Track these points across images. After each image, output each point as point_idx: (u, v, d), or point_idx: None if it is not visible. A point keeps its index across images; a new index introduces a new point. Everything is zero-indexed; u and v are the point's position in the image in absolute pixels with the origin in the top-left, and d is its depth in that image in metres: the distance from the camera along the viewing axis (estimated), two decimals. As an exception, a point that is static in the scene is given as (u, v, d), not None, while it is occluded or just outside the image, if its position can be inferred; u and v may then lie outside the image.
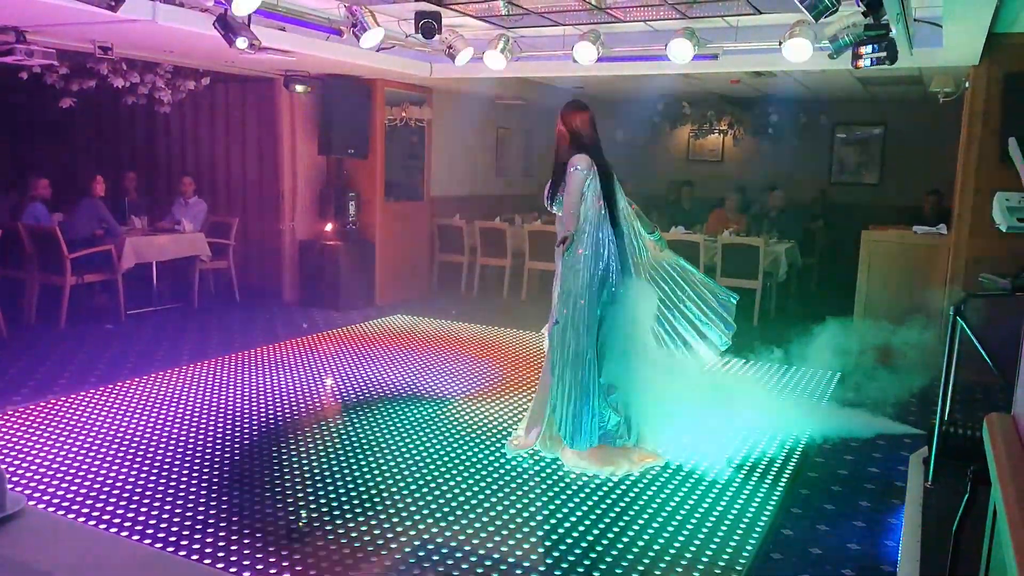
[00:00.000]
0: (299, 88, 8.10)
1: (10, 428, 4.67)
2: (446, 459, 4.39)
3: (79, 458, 4.26)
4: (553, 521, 3.68)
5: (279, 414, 5.06)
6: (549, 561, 3.31)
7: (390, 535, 3.49)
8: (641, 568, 3.27)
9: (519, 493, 3.98)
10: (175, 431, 4.71)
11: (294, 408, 5.18)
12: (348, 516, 3.66)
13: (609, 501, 3.90)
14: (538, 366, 5.47)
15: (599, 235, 4.32)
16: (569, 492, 4.00)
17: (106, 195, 8.05)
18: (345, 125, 8.46)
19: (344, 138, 8.48)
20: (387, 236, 9.00)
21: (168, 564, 1.87)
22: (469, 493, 3.96)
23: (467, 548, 3.40)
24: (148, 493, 3.86)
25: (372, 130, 8.71)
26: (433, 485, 4.04)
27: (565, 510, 3.79)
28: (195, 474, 4.10)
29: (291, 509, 3.73)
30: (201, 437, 4.62)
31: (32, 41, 6.05)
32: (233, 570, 3.16)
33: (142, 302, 8.06)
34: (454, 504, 3.83)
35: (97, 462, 4.22)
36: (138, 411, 5.04)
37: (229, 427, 4.79)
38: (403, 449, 4.51)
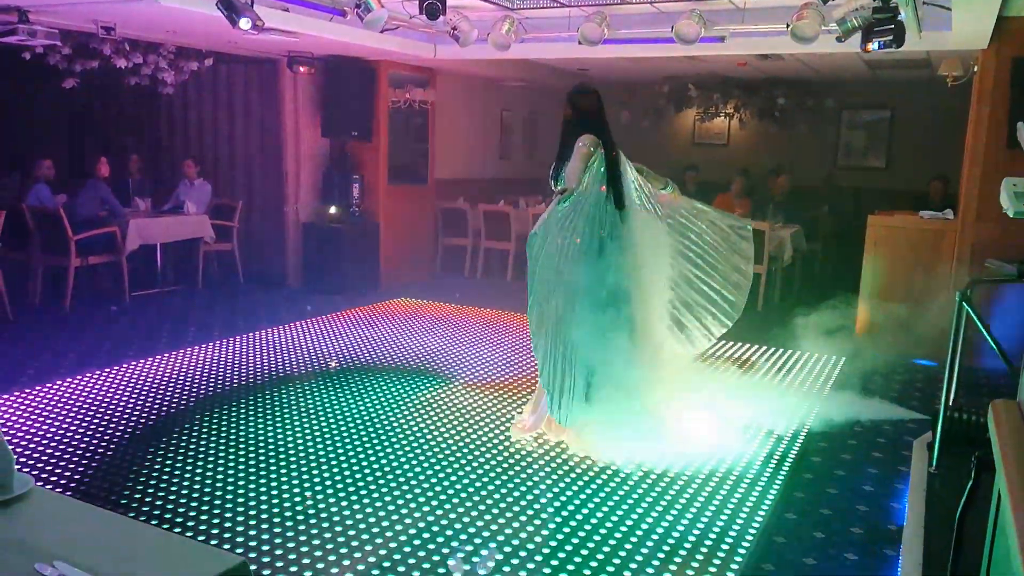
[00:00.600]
0: (302, 69, 8.06)
1: (17, 409, 4.70)
2: (451, 442, 4.40)
3: (86, 439, 4.29)
4: (556, 504, 3.69)
5: (283, 396, 5.07)
6: (553, 544, 3.32)
7: (395, 517, 3.51)
8: (644, 551, 3.28)
9: (523, 476, 3.99)
10: (180, 412, 4.73)
11: (298, 391, 5.20)
12: (354, 498, 3.68)
13: (614, 483, 3.91)
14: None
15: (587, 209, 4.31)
16: (572, 476, 4.01)
17: (110, 177, 8.04)
18: (349, 107, 8.42)
19: (348, 120, 8.45)
20: (391, 219, 8.99)
21: (175, 544, 1.87)
22: (473, 476, 3.97)
23: (471, 530, 3.41)
24: (155, 474, 3.88)
25: (376, 112, 8.67)
26: (438, 467, 4.05)
27: (568, 493, 3.80)
28: (201, 455, 4.12)
29: (296, 491, 3.75)
30: (206, 418, 4.64)
31: (35, 21, 6.02)
32: (240, 551, 3.18)
33: (146, 284, 8.08)
34: (459, 487, 3.84)
35: (104, 443, 4.24)
36: (143, 392, 5.06)
37: (234, 409, 4.81)
38: (407, 432, 4.53)
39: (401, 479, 3.91)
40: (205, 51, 8.00)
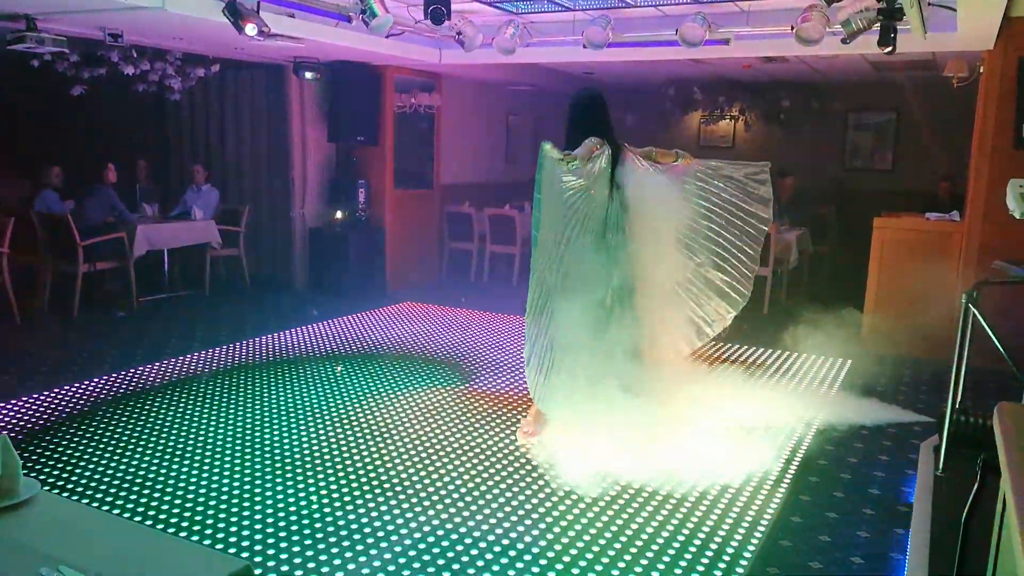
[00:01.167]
0: (308, 75, 8.09)
1: (24, 414, 4.72)
2: (456, 446, 4.40)
3: (92, 444, 4.30)
4: (561, 508, 3.69)
5: (290, 401, 5.08)
6: (558, 547, 3.32)
7: (400, 520, 3.51)
8: (650, 555, 3.28)
9: (527, 480, 3.98)
10: (187, 418, 4.75)
11: (304, 395, 5.21)
12: (359, 502, 3.69)
13: (618, 487, 3.90)
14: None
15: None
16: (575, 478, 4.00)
17: (118, 183, 8.09)
18: (355, 112, 8.45)
19: (354, 125, 8.48)
20: (397, 223, 9.01)
21: (179, 548, 1.88)
22: (479, 480, 3.97)
23: (476, 534, 3.41)
24: (160, 479, 3.90)
25: (382, 117, 8.70)
26: (444, 471, 4.06)
27: (574, 497, 3.80)
28: (207, 461, 4.13)
29: (301, 494, 3.76)
30: (213, 423, 4.65)
31: (43, 29, 6.06)
32: (245, 555, 3.19)
33: (154, 289, 8.12)
34: (464, 491, 3.84)
35: (111, 449, 4.26)
36: (150, 398, 5.08)
37: (240, 414, 4.82)
38: (413, 436, 4.53)
39: (407, 482, 3.91)
40: (212, 57, 8.04)
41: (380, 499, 3.73)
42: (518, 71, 9.34)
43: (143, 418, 4.71)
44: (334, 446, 4.35)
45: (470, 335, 6.96)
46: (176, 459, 4.13)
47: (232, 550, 3.23)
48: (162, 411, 4.84)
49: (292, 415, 4.82)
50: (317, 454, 4.24)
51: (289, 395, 5.19)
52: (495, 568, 3.15)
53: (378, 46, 7.07)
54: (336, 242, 8.55)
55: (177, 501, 3.66)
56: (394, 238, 8.95)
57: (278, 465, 4.09)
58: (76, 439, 4.37)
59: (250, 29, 5.22)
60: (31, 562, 1.55)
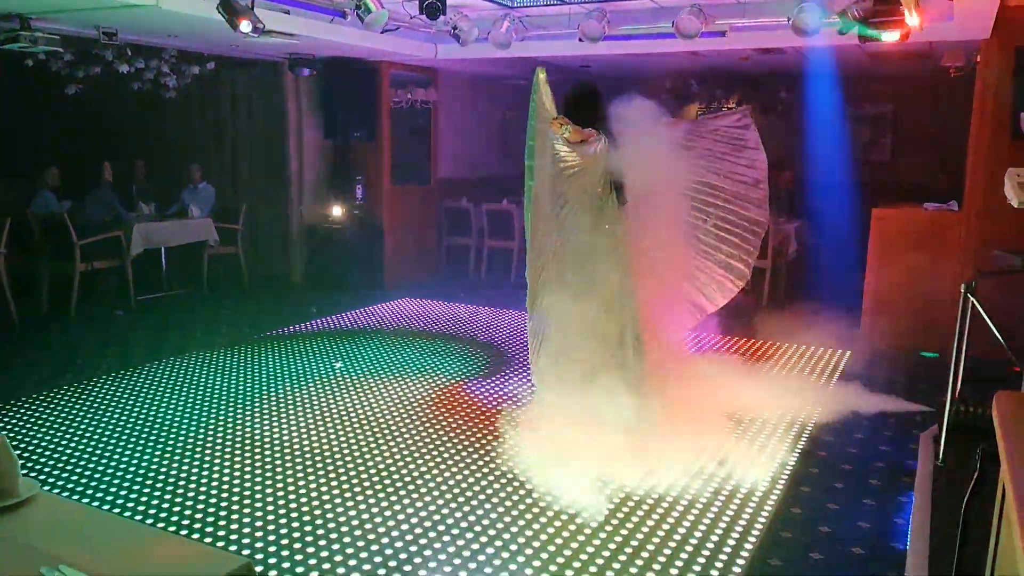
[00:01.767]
0: (304, 71, 8.07)
1: (22, 414, 4.72)
2: (457, 443, 4.40)
3: (91, 444, 4.30)
4: (560, 504, 3.68)
5: (290, 398, 5.08)
6: (559, 542, 3.32)
7: (400, 517, 3.51)
8: (651, 548, 3.28)
9: (527, 479, 3.98)
10: (186, 416, 4.74)
11: (304, 392, 5.21)
12: (359, 499, 3.69)
13: (616, 484, 3.90)
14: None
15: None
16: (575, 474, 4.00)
17: (114, 182, 8.07)
18: (351, 108, 8.44)
19: (350, 121, 8.47)
20: (394, 219, 9.00)
21: (179, 547, 1.88)
22: (479, 475, 3.97)
23: (476, 529, 3.41)
24: (160, 478, 3.90)
25: (378, 113, 8.68)
26: (444, 467, 4.06)
27: (573, 492, 3.79)
28: (207, 459, 4.13)
29: (301, 492, 3.76)
30: (212, 421, 4.65)
31: (36, 28, 6.04)
32: (246, 552, 3.19)
33: (152, 288, 8.10)
34: (464, 485, 3.84)
35: (110, 448, 4.26)
36: (149, 396, 5.08)
37: (240, 412, 4.82)
38: (413, 433, 4.53)
39: (407, 479, 3.91)
40: (207, 55, 8.01)
41: (380, 495, 3.73)
42: (514, 65, 9.31)
43: (142, 417, 4.71)
44: (335, 443, 4.35)
45: (468, 330, 6.95)
46: (176, 458, 4.13)
47: (233, 548, 3.23)
48: (161, 410, 4.84)
49: (292, 414, 4.81)
50: (318, 451, 4.24)
51: (289, 395, 5.19)
52: (496, 563, 3.15)
53: (374, 42, 7.05)
54: (334, 238, 8.55)
55: (177, 500, 3.67)
56: (392, 234, 8.94)
57: (278, 463, 4.09)
58: (75, 439, 4.36)
59: (244, 26, 5.20)
60: (31, 562, 1.55)
